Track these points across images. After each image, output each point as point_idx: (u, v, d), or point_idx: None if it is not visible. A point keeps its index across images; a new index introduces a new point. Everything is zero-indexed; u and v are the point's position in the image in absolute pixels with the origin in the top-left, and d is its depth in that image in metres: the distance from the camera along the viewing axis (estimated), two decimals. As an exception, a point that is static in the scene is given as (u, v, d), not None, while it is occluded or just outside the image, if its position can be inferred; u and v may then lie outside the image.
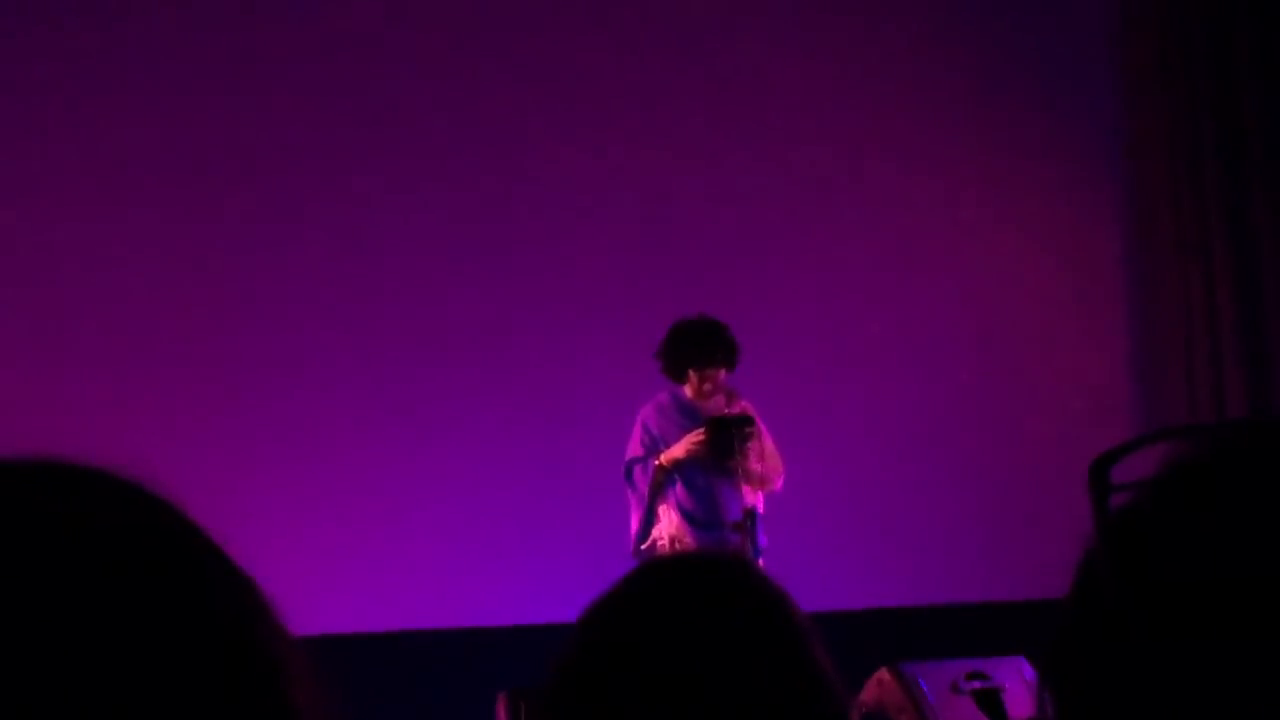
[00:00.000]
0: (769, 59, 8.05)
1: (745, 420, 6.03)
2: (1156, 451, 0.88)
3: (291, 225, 7.40)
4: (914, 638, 7.10)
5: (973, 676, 5.75)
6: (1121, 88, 8.53)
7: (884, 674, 5.74)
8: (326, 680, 0.77)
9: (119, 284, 7.19)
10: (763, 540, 5.98)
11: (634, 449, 6.18)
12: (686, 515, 6.06)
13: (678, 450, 6.04)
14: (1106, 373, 8.33)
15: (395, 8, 7.65)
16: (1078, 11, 8.51)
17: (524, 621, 6.98)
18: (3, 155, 7.15)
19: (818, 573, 6.78)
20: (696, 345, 6.12)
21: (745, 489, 6.03)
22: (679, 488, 6.08)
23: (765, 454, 6.07)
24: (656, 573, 1.67)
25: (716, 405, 6.12)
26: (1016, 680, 5.73)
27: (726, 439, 5.98)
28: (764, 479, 6.07)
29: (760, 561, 5.51)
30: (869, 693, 5.72)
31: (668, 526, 6.07)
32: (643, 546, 6.09)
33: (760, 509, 6.06)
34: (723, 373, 6.13)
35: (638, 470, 6.15)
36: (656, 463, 6.08)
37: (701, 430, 6.02)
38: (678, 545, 5.97)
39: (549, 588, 7.03)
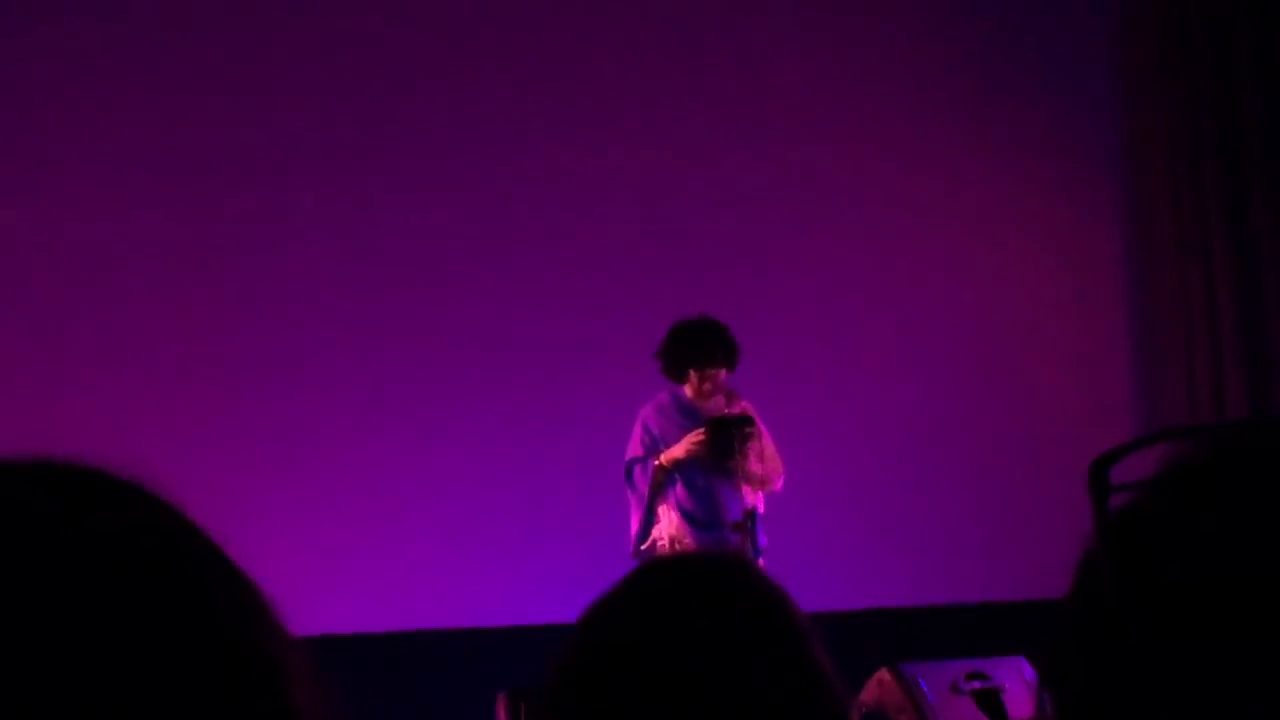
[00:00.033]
0: (769, 59, 8.05)
1: (745, 420, 6.03)
2: (1156, 451, 0.88)
3: (291, 225, 7.40)
4: (914, 638, 7.10)
5: (973, 676, 5.75)
6: (1121, 88, 8.53)
7: (884, 674, 5.74)
8: (326, 680, 0.77)
9: (119, 284, 7.19)
10: (763, 540, 5.98)
11: (634, 449, 6.18)
12: (686, 515, 6.06)
13: (678, 450, 6.04)
14: (1106, 373, 8.33)
15: (395, 8, 7.65)
16: (1078, 11, 8.51)
17: (524, 621, 6.98)
18: (3, 155, 7.15)
19: (818, 573, 6.78)
20: (696, 345, 6.12)
21: (745, 489, 6.03)
22: (679, 488, 6.08)
23: (765, 454, 6.06)
24: (656, 573, 1.67)
25: (716, 405, 6.12)
26: (1016, 680, 5.73)
27: (726, 439, 5.98)
28: (764, 479, 6.07)
29: (760, 561, 5.51)
30: (869, 693, 5.72)
31: (668, 527, 6.07)
32: (643, 547, 6.09)
33: (760, 509, 6.06)
34: (723, 373, 6.13)
35: (637, 470, 6.15)
36: (656, 463, 6.08)
37: (701, 430, 6.02)
38: (678, 545, 5.96)
39: (549, 588, 7.03)
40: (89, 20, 7.27)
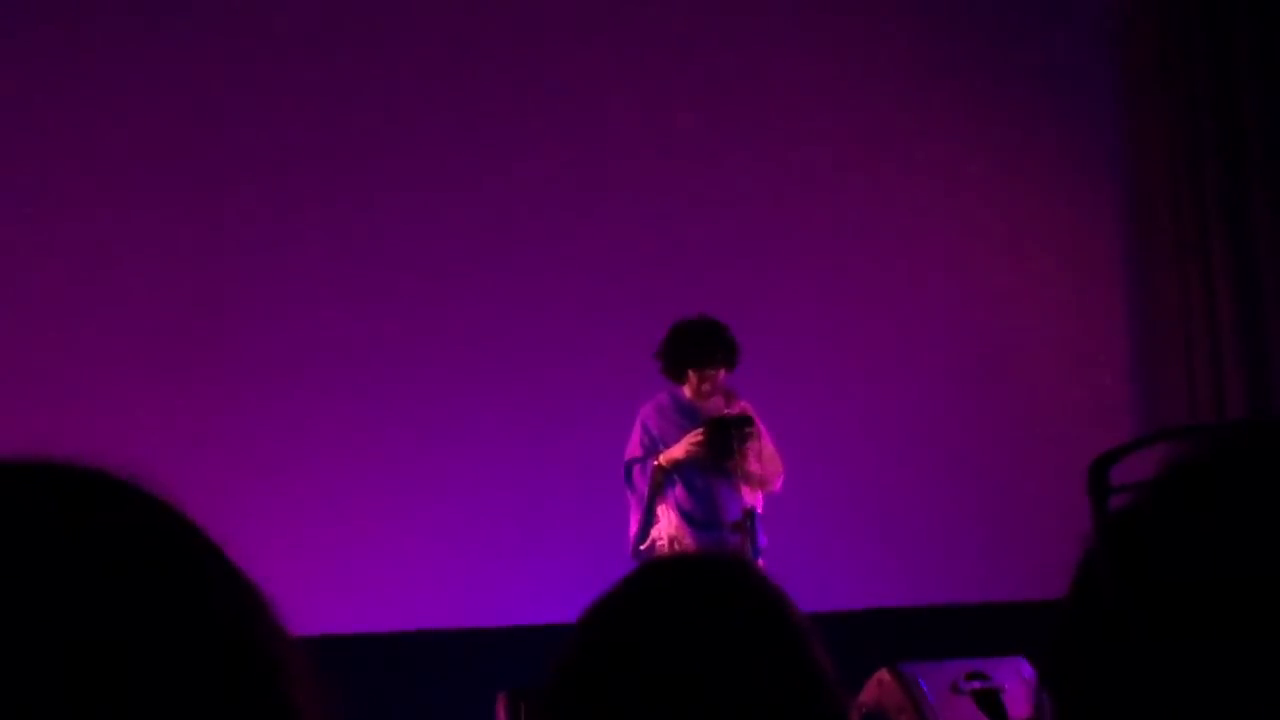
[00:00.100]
0: (769, 59, 8.05)
1: (744, 420, 6.03)
2: (1156, 452, 0.88)
3: (291, 225, 7.40)
4: (914, 638, 7.10)
5: (973, 676, 5.75)
6: (1121, 88, 8.53)
7: (884, 674, 5.74)
8: (326, 680, 0.77)
9: (119, 284, 7.19)
10: (762, 540, 5.97)
11: (633, 449, 6.18)
12: (686, 516, 6.06)
13: (677, 451, 6.04)
14: (1106, 373, 8.33)
15: (395, 9, 7.65)
16: (1078, 11, 8.51)
17: (524, 622, 6.98)
18: (3, 155, 7.15)
19: (818, 573, 6.78)
20: (696, 345, 6.12)
21: (744, 489, 6.03)
22: (678, 488, 6.08)
23: (764, 454, 6.06)
24: (656, 573, 1.67)
25: (716, 406, 6.12)
26: (1016, 680, 5.72)
27: (725, 439, 5.98)
28: (763, 479, 6.07)
29: (760, 561, 5.51)
30: (869, 693, 5.72)
31: (667, 527, 6.07)
32: (642, 547, 6.09)
33: (759, 509, 6.05)
34: (722, 373, 6.13)
35: (637, 471, 6.15)
36: (656, 463, 6.08)
37: (700, 431, 6.02)
38: (677, 546, 5.96)
39: (549, 588, 7.03)
40: (89, 20, 7.27)
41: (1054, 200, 8.36)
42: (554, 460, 7.42)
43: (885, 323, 8.00)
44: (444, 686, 7.04)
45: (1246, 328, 8.16)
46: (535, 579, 7.26)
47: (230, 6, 7.46)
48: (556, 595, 6.66)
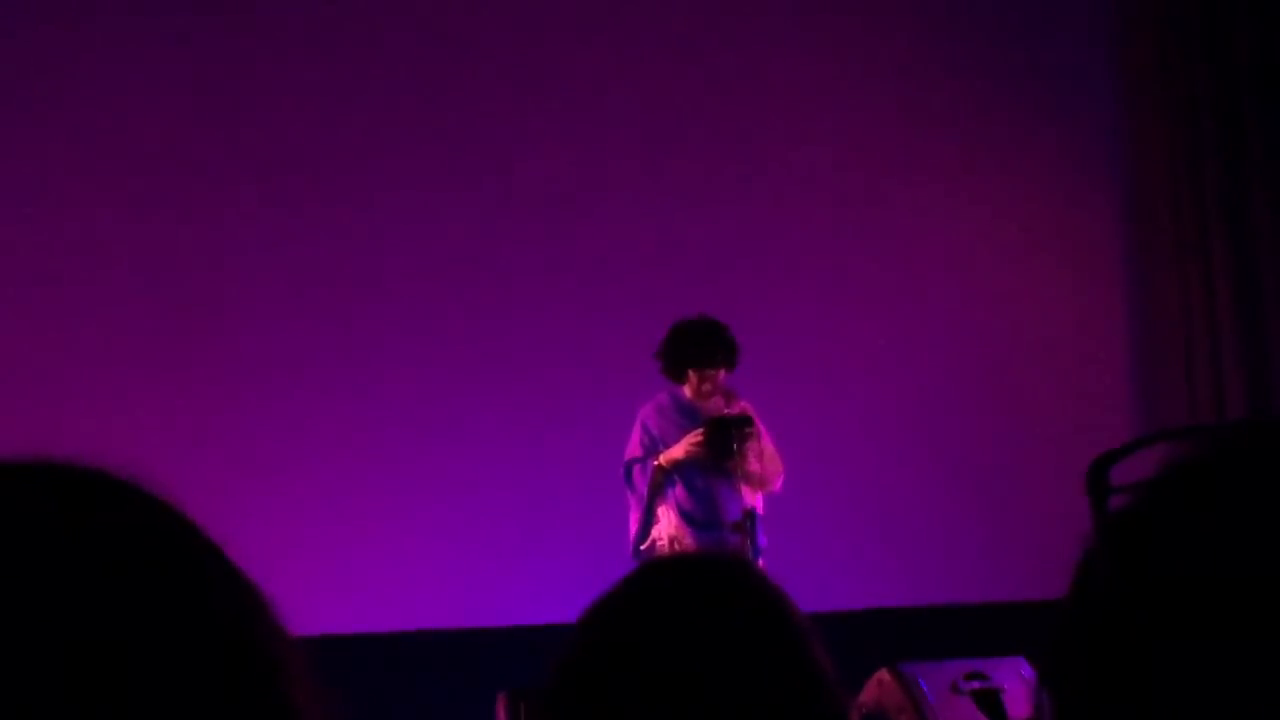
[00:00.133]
0: (769, 60, 8.05)
1: (744, 420, 6.03)
2: (1156, 452, 0.88)
3: (291, 225, 7.40)
4: (914, 638, 7.10)
5: (972, 677, 5.75)
6: (1121, 88, 8.53)
7: (884, 674, 5.74)
8: (326, 680, 0.77)
9: (119, 284, 7.19)
10: (762, 540, 5.97)
11: (633, 449, 6.18)
12: (686, 516, 6.06)
13: (677, 451, 6.04)
14: (1106, 373, 8.33)
15: (395, 9, 7.65)
16: (1078, 11, 8.51)
17: (524, 621, 6.98)
18: (3, 155, 7.15)
19: (818, 573, 6.78)
20: (696, 345, 6.12)
21: (744, 489, 6.03)
22: (678, 488, 6.08)
23: (764, 454, 6.06)
24: (656, 573, 1.67)
25: (715, 406, 6.12)
26: (1016, 681, 5.72)
27: (725, 439, 5.98)
28: (763, 479, 6.07)
29: (760, 561, 5.51)
30: (869, 693, 5.72)
31: (667, 527, 6.07)
32: (642, 547, 6.09)
33: (760, 509, 6.06)
34: (722, 373, 6.13)
35: (636, 471, 6.15)
36: (656, 463, 6.08)
37: (700, 431, 6.02)
38: (677, 546, 5.96)
39: (549, 588, 7.03)
40: (89, 20, 7.27)
41: (1054, 200, 8.36)
42: (554, 460, 7.42)
43: (885, 323, 8.00)
44: (444, 686, 7.04)
45: (1246, 328, 8.16)
46: (535, 579, 7.26)
47: (230, 6, 7.46)
48: (556, 595, 6.66)
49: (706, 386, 6.12)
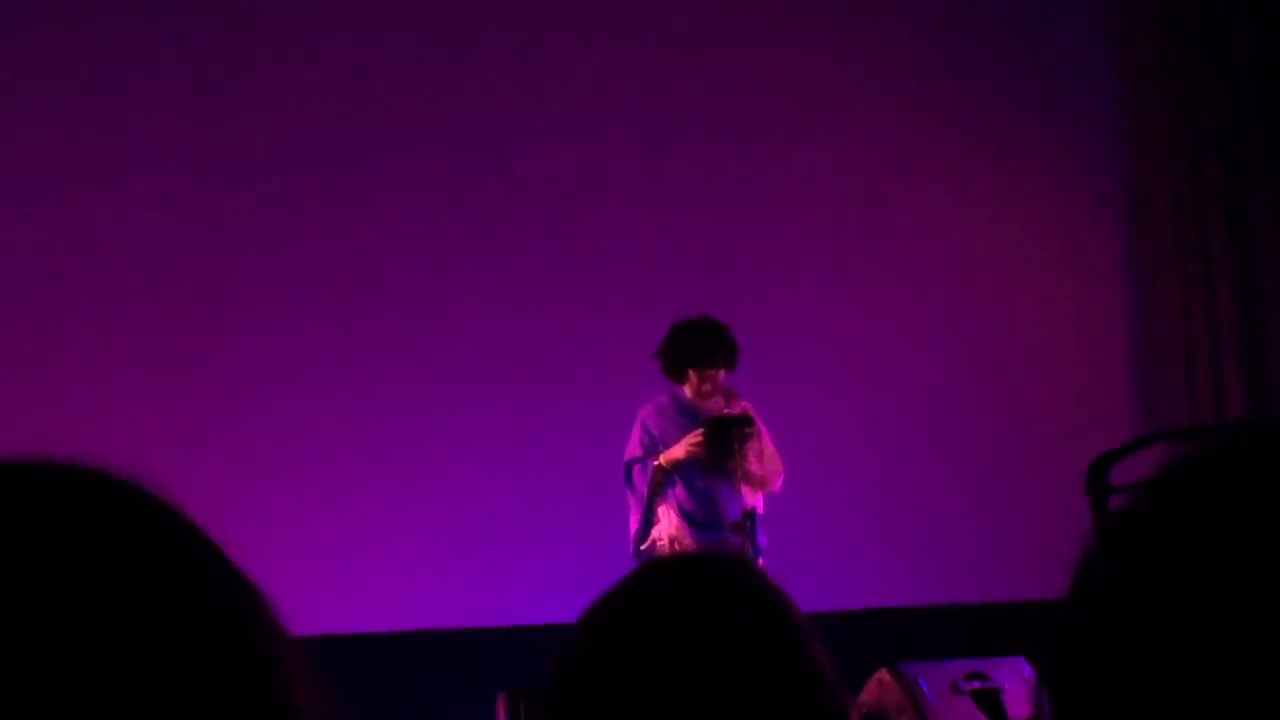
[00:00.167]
0: (769, 59, 8.05)
1: (744, 420, 6.03)
2: (1156, 452, 0.88)
3: (291, 225, 7.40)
4: (914, 638, 7.10)
5: (972, 676, 5.75)
6: (1121, 88, 8.53)
7: (884, 674, 5.74)
8: (326, 680, 0.77)
9: (119, 284, 7.19)
10: (762, 540, 5.98)
11: (633, 449, 6.18)
12: (686, 516, 6.06)
13: (677, 451, 6.04)
14: (1106, 373, 8.33)
15: (396, 9, 7.65)
16: (1078, 11, 8.51)
17: (524, 621, 6.98)
18: (3, 155, 7.15)
19: (818, 573, 6.78)
20: (696, 345, 6.12)
21: (744, 489, 6.03)
22: (679, 488, 6.08)
23: (764, 454, 6.06)
24: (656, 573, 1.67)
25: (715, 406, 6.12)
26: (1016, 680, 5.72)
27: (725, 439, 5.98)
28: (763, 479, 6.07)
29: (760, 561, 5.51)
30: (869, 693, 5.72)
31: (667, 527, 6.07)
32: (642, 547, 6.09)
33: (760, 509, 6.06)
34: (722, 373, 6.13)
35: (636, 471, 6.15)
36: (656, 463, 6.08)
37: (701, 431, 6.02)
38: (677, 546, 5.96)
39: (549, 588, 7.03)
40: (89, 20, 7.27)
41: (1054, 200, 8.36)
42: (554, 460, 7.42)
43: (885, 323, 8.00)
44: (444, 686, 7.04)
45: (1246, 328, 8.16)
46: (535, 579, 7.26)
47: (230, 6, 7.46)
48: (556, 595, 6.66)
49: (706, 386, 6.12)
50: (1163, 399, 8.27)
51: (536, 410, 7.50)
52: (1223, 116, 8.28)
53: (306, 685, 0.75)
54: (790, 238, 7.93)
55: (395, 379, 7.41)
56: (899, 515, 7.82)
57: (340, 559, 7.15)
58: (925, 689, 5.65)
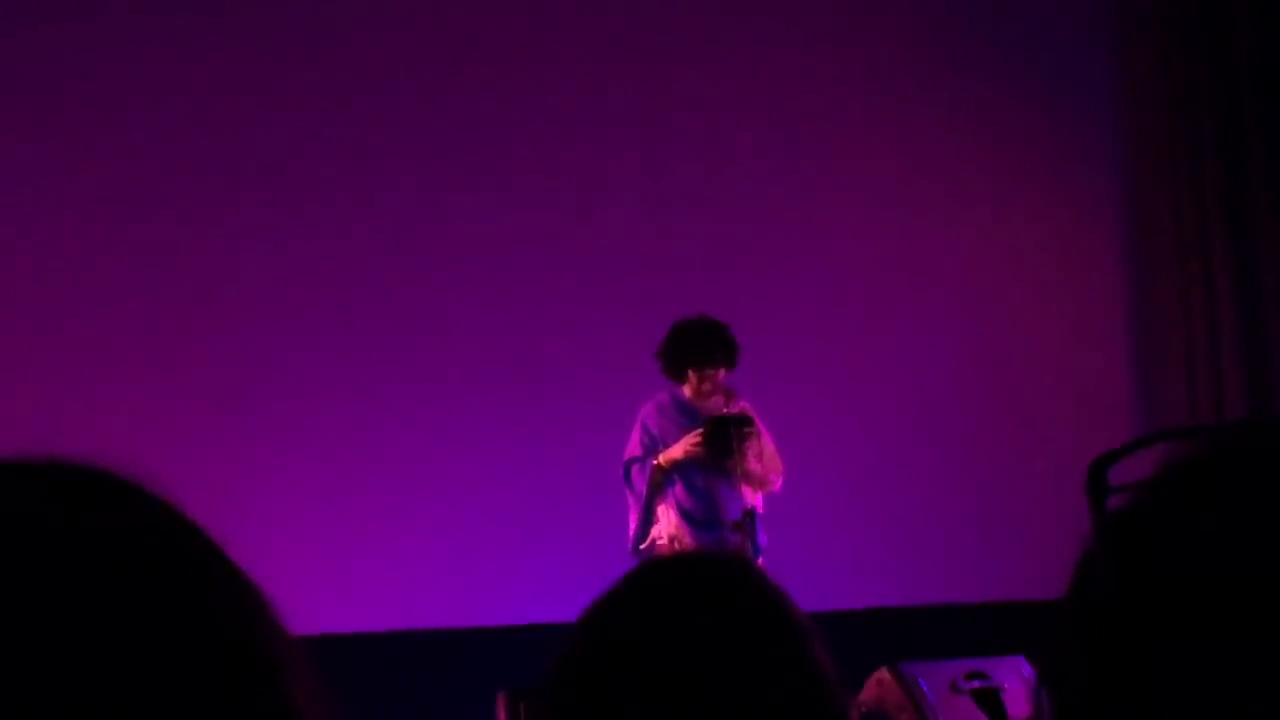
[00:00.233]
0: (770, 59, 8.05)
1: (744, 420, 6.03)
2: (1156, 452, 0.88)
3: (291, 225, 7.40)
4: (914, 638, 7.10)
5: (972, 676, 5.75)
6: (1121, 88, 8.53)
7: (884, 674, 5.74)
8: (326, 680, 0.77)
9: (119, 284, 7.19)
10: (762, 540, 5.98)
11: (632, 449, 6.19)
12: (686, 515, 6.06)
13: (676, 450, 6.04)
14: (1106, 373, 8.33)
15: (395, 9, 7.65)
16: (1078, 12, 8.51)
17: (524, 621, 6.98)
18: (3, 155, 7.15)
19: (818, 573, 6.77)
20: (696, 345, 6.12)
21: (744, 489, 6.03)
22: (678, 488, 6.08)
23: (764, 454, 6.07)
24: (656, 573, 1.67)
25: (715, 405, 6.12)
26: (1016, 680, 5.72)
27: (725, 438, 5.98)
28: (763, 479, 6.07)
29: (760, 561, 5.51)
30: (869, 693, 5.72)
31: (667, 526, 6.07)
32: (642, 546, 6.09)
33: (759, 509, 6.06)
34: (722, 372, 6.13)
35: (635, 470, 6.15)
36: (655, 463, 6.08)
37: (700, 430, 6.02)
38: (677, 545, 5.96)
39: (549, 588, 7.03)
40: (89, 20, 7.27)
41: (1054, 200, 8.36)
42: (554, 460, 7.42)
43: (885, 323, 8.00)
44: (444, 686, 7.04)
45: (1246, 328, 8.16)
46: (535, 579, 7.26)
47: (230, 6, 7.46)
48: (556, 595, 6.66)
49: (706, 386, 6.12)
50: (1163, 399, 8.27)
51: (536, 410, 7.50)
52: (1222, 116, 8.28)
53: (306, 685, 0.75)
54: (790, 238, 7.93)
55: (395, 379, 7.41)
56: (899, 515, 7.82)
57: (340, 559, 7.15)
58: (925, 688, 5.66)
